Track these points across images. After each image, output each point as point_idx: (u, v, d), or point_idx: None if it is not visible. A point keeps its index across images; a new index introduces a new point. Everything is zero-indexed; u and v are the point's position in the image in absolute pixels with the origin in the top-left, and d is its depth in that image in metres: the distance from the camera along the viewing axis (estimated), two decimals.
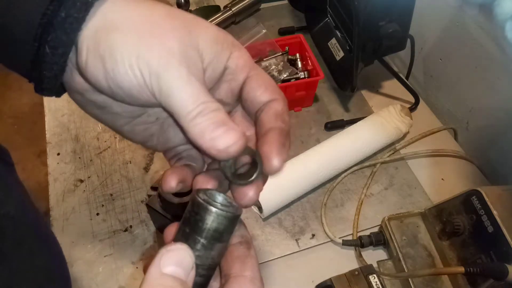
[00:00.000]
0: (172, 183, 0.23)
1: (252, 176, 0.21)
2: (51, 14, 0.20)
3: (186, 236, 0.20)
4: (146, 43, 0.20)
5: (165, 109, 0.21)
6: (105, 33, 0.20)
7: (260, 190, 0.23)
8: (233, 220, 0.21)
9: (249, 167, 0.23)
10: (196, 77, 0.20)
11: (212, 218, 0.20)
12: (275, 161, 0.21)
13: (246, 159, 0.23)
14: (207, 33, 0.22)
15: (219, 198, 0.21)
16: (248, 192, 0.22)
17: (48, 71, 0.21)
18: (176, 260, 0.18)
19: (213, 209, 0.20)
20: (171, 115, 0.21)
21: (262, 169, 0.21)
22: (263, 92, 0.23)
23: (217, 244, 0.20)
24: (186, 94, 0.20)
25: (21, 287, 0.30)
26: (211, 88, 0.23)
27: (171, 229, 0.22)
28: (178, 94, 0.20)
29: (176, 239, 0.20)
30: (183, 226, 0.20)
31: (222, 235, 0.20)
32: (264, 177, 0.23)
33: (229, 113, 0.25)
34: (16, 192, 0.35)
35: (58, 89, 0.23)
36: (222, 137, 0.19)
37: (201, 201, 0.20)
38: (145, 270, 0.20)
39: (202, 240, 0.20)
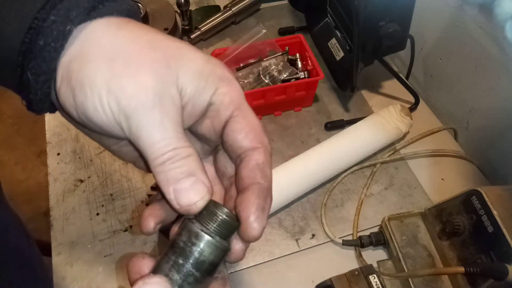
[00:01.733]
0: (150, 226, 0.22)
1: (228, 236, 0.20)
2: (29, 42, 0.19)
3: (178, 268, 0.18)
4: (118, 79, 0.19)
5: (135, 148, 0.20)
6: (78, 64, 0.19)
7: (244, 247, 0.21)
8: (226, 253, 0.20)
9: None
10: (170, 119, 0.19)
11: (211, 250, 0.19)
12: (252, 230, 0.19)
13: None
14: (190, 66, 0.20)
15: (213, 226, 0.20)
16: (235, 249, 0.20)
17: (33, 95, 0.21)
18: None
19: (213, 241, 0.19)
20: (141, 155, 0.20)
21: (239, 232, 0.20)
22: (244, 137, 0.21)
23: (208, 278, 0.19)
24: (156, 138, 0.18)
25: None
26: (195, 122, 0.22)
27: (138, 262, 0.20)
28: (147, 138, 0.18)
29: (162, 269, 0.19)
30: (174, 256, 0.19)
31: (215, 269, 0.19)
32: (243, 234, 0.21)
33: (215, 150, 0.24)
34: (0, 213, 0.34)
35: (50, 108, 0.22)
36: (186, 191, 0.18)
37: (200, 231, 0.19)
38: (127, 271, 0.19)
39: (196, 273, 0.19)
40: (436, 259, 0.43)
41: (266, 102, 0.57)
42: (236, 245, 0.21)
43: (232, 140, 0.21)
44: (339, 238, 0.47)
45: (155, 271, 0.19)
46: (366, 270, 0.42)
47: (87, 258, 0.46)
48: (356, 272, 0.42)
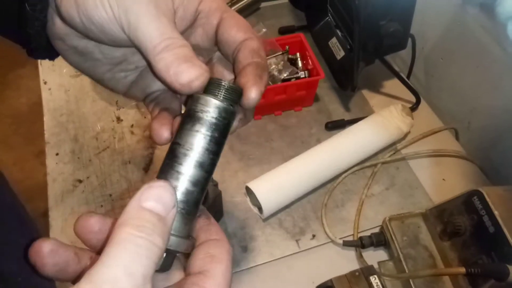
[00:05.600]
0: (165, 134, 0.23)
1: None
2: None
3: (194, 134, 0.20)
4: None
5: (134, 44, 0.21)
6: None
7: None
8: (234, 116, 0.22)
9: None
10: (164, 14, 0.21)
11: (222, 113, 0.20)
12: (251, 92, 0.21)
13: None
14: None
15: (220, 93, 0.22)
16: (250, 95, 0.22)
17: (31, 28, 0.22)
18: (156, 196, 0.18)
19: (222, 104, 0.20)
20: (139, 50, 0.21)
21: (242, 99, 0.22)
22: (237, 31, 0.23)
23: (223, 141, 0.21)
24: (153, 28, 0.20)
25: None
26: (186, 33, 0.24)
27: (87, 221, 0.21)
28: (145, 28, 0.20)
29: (181, 141, 0.20)
30: (189, 125, 0.20)
31: (226, 133, 0.21)
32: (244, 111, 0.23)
33: (209, 60, 0.26)
34: None
35: (49, 52, 0.24)
36: (186, 70, 0.20)
37: (209, 98, 0.20)
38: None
39: (213, 135, 0.20)
40: (437, 259, 0.43)
41: (266, 102, 0.57)
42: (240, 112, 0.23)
43: (227, 37, 0.23)
44: (340, 238, 0.47)
45: (176, 143, 0.20)
46: (366, 271, 0.42)
47: None
48: (357, 273, 0.42)
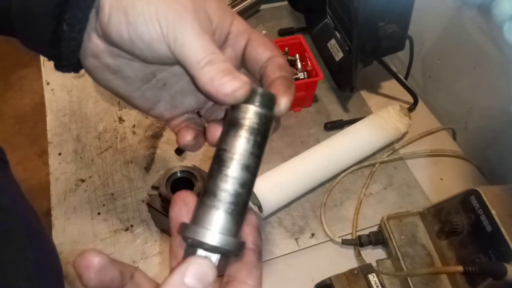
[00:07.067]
0: (188, 137, 0.26)
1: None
2: None
3: (234, 138, 0.21)
4: (164, 2, 0.22)
5: (178, 61, 0.23)
6: None
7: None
8: (272, 121, 0.23)
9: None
10: (207, 33, 0.23)
11: (260, 118, 0.22)
12: (282, 101, 0.23)
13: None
14: (212, 1, 0.25)
15: (256, 100, 0.23)
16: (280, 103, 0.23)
17: (66, 48, 0.23)
18: (200, 275, 0.19)
19: (260, 110, 0.21)
20: (183, 66, 0.22)
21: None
22: (264, 50, 0.25)
23: (263, 145, 0.22)
24: (198, 44, 0.22)
25: (8, 277, 0.30)
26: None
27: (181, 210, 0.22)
28: (190, 43, 0.22)
29: (224, 145, 0.21)
30: (231, 130, 0.21)
31: (266, 136, 0.22)
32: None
33: None
34: (8, 187, 0.36)
35: (75, 66, 0.25)
36: (230, 81, 0.21)
37: (248, 105, 0.21)
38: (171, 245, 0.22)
39: (254, 138, 0.21)
40: (434, 258, 0.44)
41: None
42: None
43: (254, 56, 0.25)
44: (339, 237, 0.48)
45: (221, 149, 0.21)
46: (365, 269, 0.42)
47: None
48: (356, 271, 0.42)
